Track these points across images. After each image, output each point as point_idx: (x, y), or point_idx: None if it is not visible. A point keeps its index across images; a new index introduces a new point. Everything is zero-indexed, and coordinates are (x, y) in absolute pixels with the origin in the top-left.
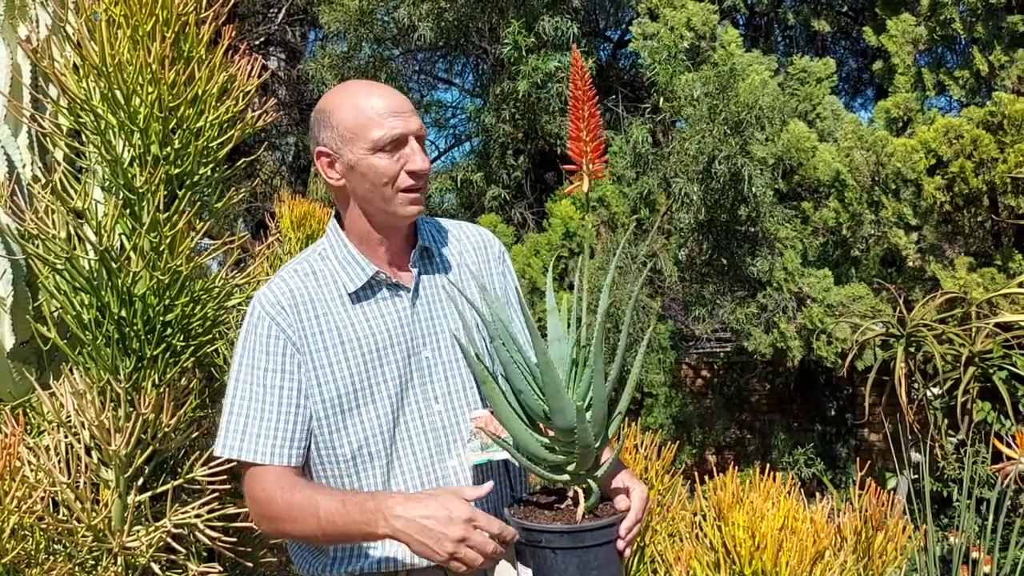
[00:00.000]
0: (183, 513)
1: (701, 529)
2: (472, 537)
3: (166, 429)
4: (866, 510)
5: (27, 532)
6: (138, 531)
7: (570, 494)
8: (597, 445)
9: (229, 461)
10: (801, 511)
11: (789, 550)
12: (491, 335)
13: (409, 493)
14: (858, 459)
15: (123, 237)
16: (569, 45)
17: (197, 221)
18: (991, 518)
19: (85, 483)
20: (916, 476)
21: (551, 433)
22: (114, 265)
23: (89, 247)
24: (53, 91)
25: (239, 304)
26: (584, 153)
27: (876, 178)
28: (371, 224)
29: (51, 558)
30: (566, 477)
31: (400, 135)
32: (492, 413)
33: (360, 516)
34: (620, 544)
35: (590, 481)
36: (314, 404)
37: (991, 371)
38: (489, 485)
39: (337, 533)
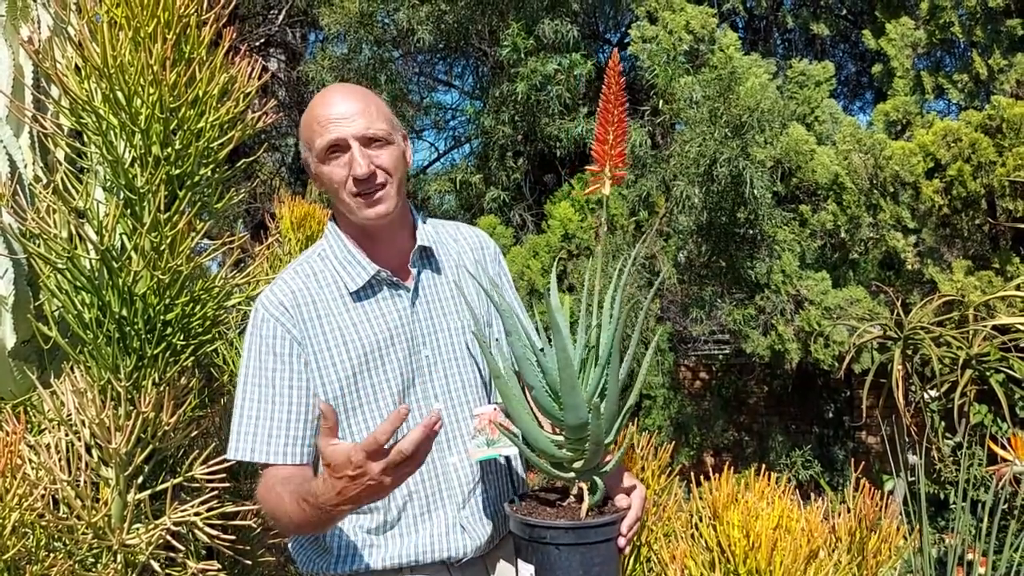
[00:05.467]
0: (182, 511)
1: (697, 529)
2: (381, 464)
3: (166, 428)
4: (860, 510)
5: (27, 529)
6: (138, 529)
7: (573, 491)
8: (608, 441)
9: (228, 460)
10: (796, 511)
11: (783, 549)
12: (507, 329)
13: (323, 477)
14: (853, 460)
15: (124, 237)
16: (569, 48)
17: (197, 221)
18: (986, 520)
19: (85, 481)
20: (913, 478)
21: (558, 430)
22: (115, 264)
23: (90, 247)
24: (55, 92)
25: (239, 304)
26: (608, 156)
27: (874, 181)
28: (353, 226)
29: (51, 555)
30: (571, 474)
31: (335, 141)
32: (498, 408)
33: (315, 515)
34: (621, 542)
35: (596, 478)
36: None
37: (988, 374)
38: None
39: (311, 529)
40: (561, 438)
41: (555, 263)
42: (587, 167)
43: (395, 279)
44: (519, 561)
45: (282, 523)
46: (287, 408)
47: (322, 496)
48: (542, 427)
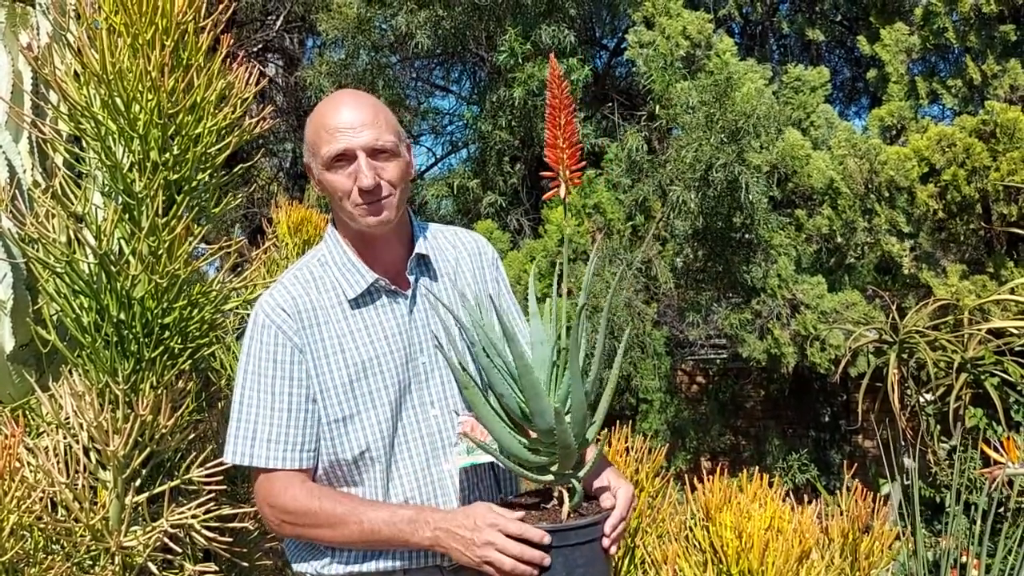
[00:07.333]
0: (179, 514)
1: (691, 531)
2: (498, 541)
3: (163, 431)
4: (852, 512)
5: (26, 531)
6: (135, 531)
7: (555, 494)
8: (577, 445)
9: (224, 463)
10: (787, 512)
11: (775, 550)
12: (471, 340)
13: (449, 508)
14: (845, 463)
15: (122, 241)
16: (566, 53)
17: (195, 226)
18: (979, 522)
19: (83, 484)
20: (910, 482)
21: (533, 435)
22: (113, 269)
23: (89, 251)
24: (54, 97)
25: (236, 308)
26: (560, 160)
27: (870, 186)
28: (352, 232)
29: (49, 557)
30: (550, 477)
31: (343, 151)
32: (475, 417)
33: (407, 527)
34: (605, 542)
35: (573, 481)
36: (319, 409)
37: (983, 377)
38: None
39: (379, 541)
40: (531, 442)
41: (534, 268)
42: (542, 173)
43: (393, 287)
44: None
45: (335, 528)
46: (286, 414)
47: (437, 518)
48: (523, 431)
